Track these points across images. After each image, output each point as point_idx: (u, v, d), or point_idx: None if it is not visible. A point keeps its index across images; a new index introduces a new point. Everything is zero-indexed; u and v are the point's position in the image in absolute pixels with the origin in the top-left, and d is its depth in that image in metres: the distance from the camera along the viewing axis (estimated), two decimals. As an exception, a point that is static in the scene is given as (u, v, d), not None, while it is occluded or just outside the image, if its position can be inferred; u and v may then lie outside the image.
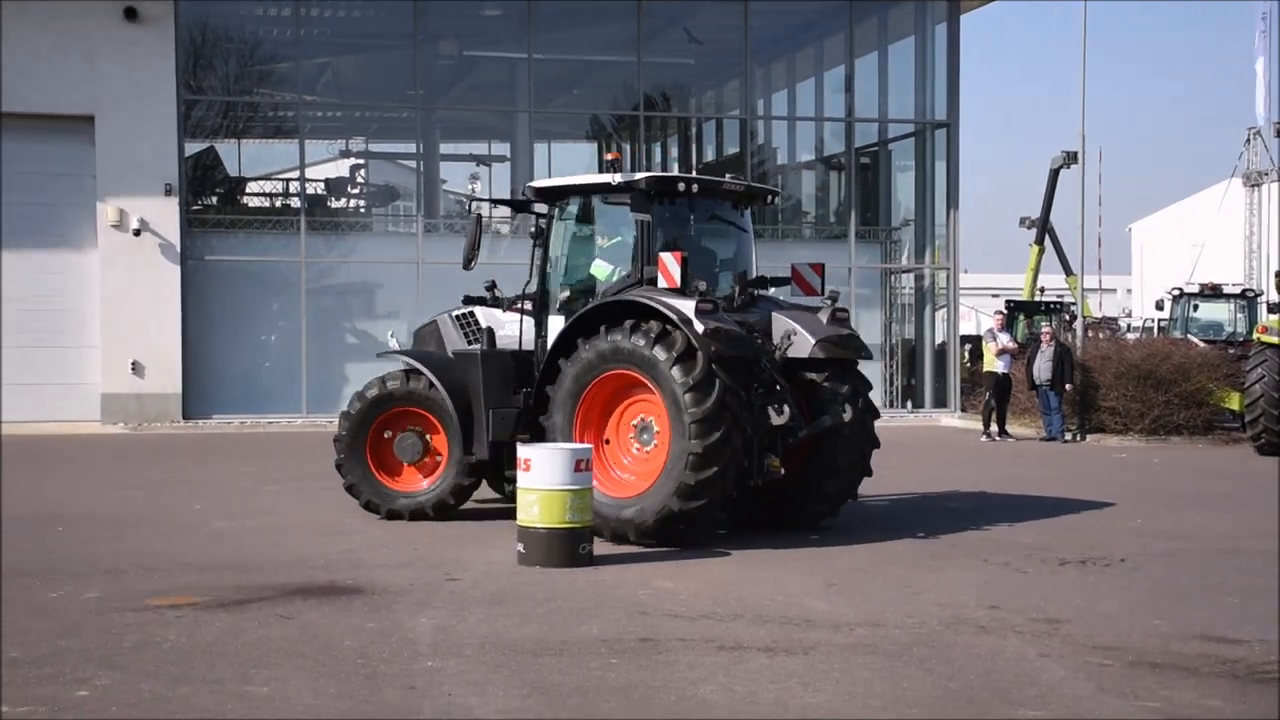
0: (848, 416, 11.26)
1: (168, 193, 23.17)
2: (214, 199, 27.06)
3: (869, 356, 11.94)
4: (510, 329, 12.10)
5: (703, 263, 11.62)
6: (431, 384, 12.00)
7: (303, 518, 12.33)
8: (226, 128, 27.12)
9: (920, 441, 22.07)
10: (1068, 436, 21.94)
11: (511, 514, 10.27)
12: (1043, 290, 38.23)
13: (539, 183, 12.42)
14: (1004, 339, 22.64)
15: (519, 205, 12.77)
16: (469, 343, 12.48)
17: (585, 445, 10.28)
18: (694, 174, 14.04)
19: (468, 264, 12.18)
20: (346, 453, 12.11)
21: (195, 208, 25.06)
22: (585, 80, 29.79)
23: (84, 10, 22.84)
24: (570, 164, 33.67)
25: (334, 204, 29.19)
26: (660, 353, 10.51)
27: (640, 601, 8.61)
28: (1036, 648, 7.47)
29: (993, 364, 22.39)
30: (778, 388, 11.02)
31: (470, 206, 11.83)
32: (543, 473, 9.75)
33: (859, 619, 8.18)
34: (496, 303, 12.56)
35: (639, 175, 11.40)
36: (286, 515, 12.50)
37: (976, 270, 53.47)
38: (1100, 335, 27.09)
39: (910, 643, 7.57)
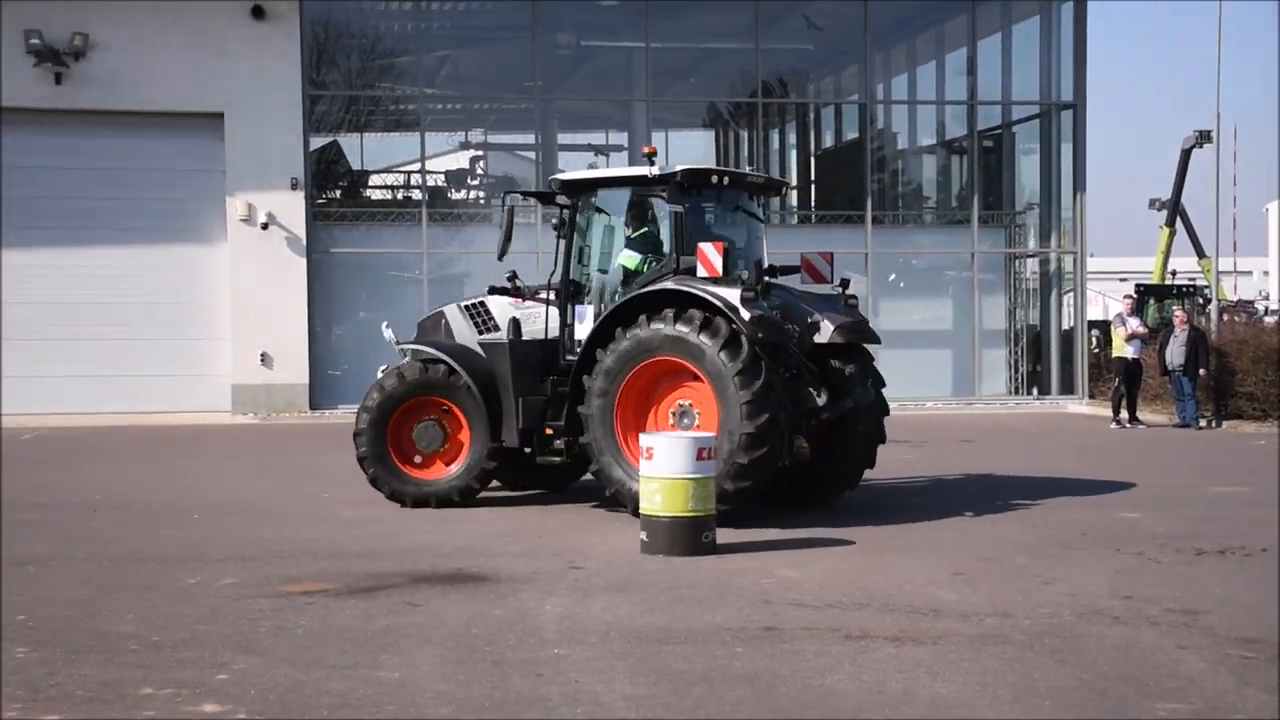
0: (868, 398, 11.80)
1: (294, 187, 23.63)
2: (338, 192, 27.54)
3: (879, 342, 12.42)
4: (528, 320, 12.36)
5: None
6: (452, 372, 12.12)
7: (428, 507, 12.47)
8: (349, 122, 27.58)
9: (1047, 429, 21.67)
10: (1202, 423, 21.36)
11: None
12: (1174, 273, 37.30)
13: (565, 175, 12.59)
14: (1134, 323, 22.11)
15: (546, 198, 12.95)
16: (480, 333, 12.69)
17: (708, 434, 10.25)
18: (742, 167, 13.88)
19: (502, 254, 12.38)
20: (368, 446, 12.21)
21: (320, 201, 25.52)
22: (702, 68, 29.70)
23: (214, 10, 23.37)
24: (687, 152, 33.64)
25: (454, 195, 29.51)
26: (707, 339, 10.86)
27: (764, 590, 8.57)
28: (1174, 639, 7.28)
29: (1122, 349, 21.88)
30: (808, 372, 11.37)
31: (505, 199, 12.17)
32: (665, 461, 9.76)
33: (987, 609, 8.05)
34: (519, 293, 12.71)
35: (676, 168, 11.70)
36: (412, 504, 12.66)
37: (1104, 254, 52.27)
38: (1236, 319, 26.33)
39: (1041, 633, 7.43)
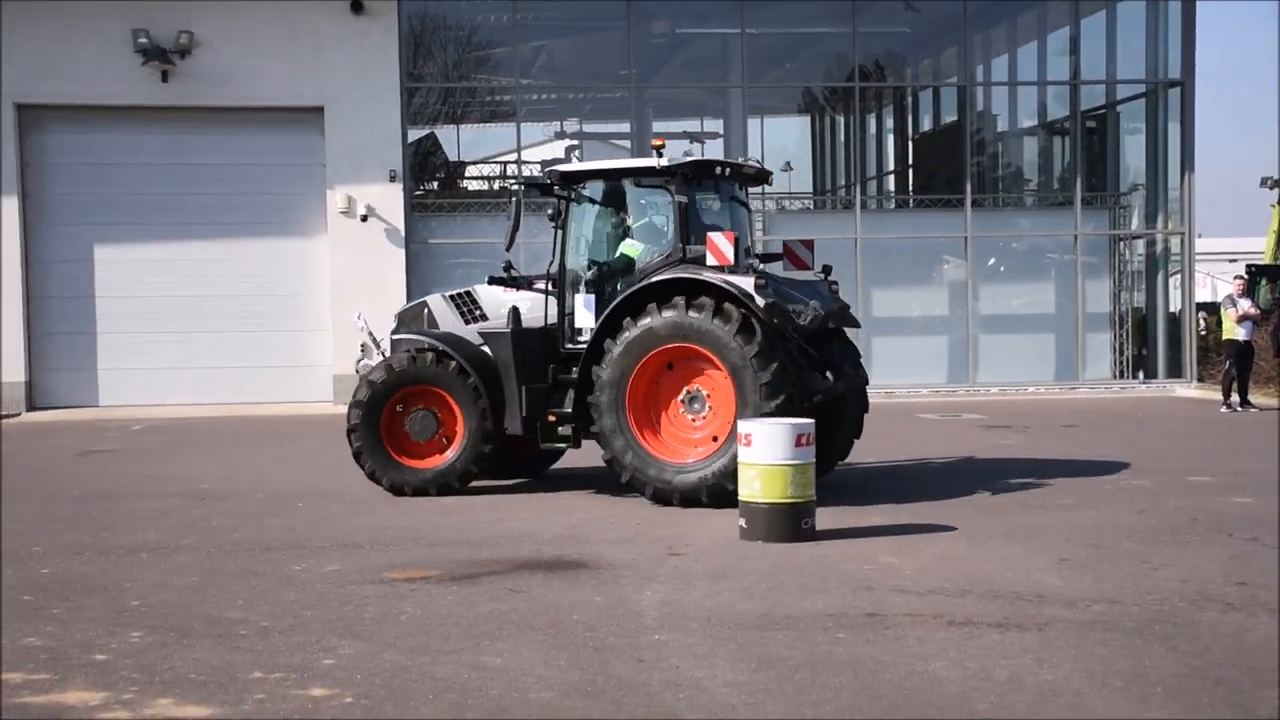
0: (859, 380, 12.51)
1: (392, 179, 23.88)
2: (434, 184, 27.80)
3: (859, 326, 13.23)
4: (525, 309, 12.53)
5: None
6: (440, 360, 12.25)
7: (526, 493, 12.57)
8: (446, 114, 27.81)
9: (1154, 413, 21.25)
10: (1315, 406, 20.81)
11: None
12: (1286, 253, 36.29)
13: (563, 167, 12.80)
14: (1245, 304, 21.58)
15: (547, 188, 13.07)
16: (466, 322, 12.89)
17: (807, 421, 10.18)
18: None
19: (510, 245, 12.53)
20: (363, 440, 12.32)
21: (417, 193, 25.77)
22: (798, 54, 29.50)
23: (313, 6, 23.69)
24: (783, 138, 33.47)
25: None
26: (721, 326, 11.25)
27: (865, 576, 8.50)
28: (1289, 627, 7.10)
29: (1233, 331, 21.36)
30: (805, 355, 11.75)
31: (514, 191, 12.33)
32: (764, 448, 9.72)
33: (1095, 595, 7.91)
34: (514, 282, 12.87)
35: (680, 159, 12.06)
36: (510, 491, 12.76)
37: (1212, 234, 51.08)
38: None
39: (1151, 620, 7.28)
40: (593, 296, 12.12)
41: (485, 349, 12.45)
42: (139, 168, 23.73)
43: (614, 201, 12.55)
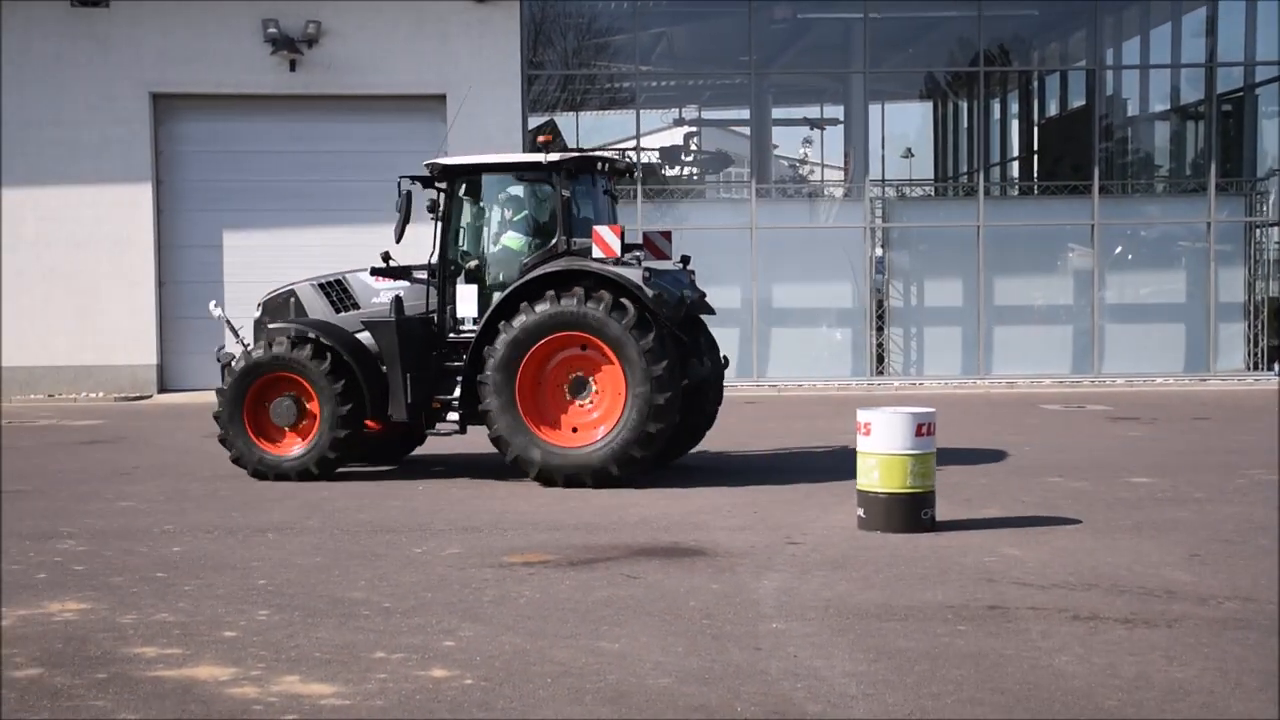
0: (721, 365, 13.38)
1: (512, 166, 24.03)
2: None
3: (714, 313, 13.71)
4: (386, 297, 13.00)
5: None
6: (296, 345, 12.53)
7: (642, 479, 12.58)
8: (565, 101, 27.93)
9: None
10: None
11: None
12: None
13: (445, 160, 13.29)
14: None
15: (428, 181, 13.60)
16: (336, 311, 13.21)
17: (929, 409, 10.05)
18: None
19: (399, 238, 13.21)
20: (228, 425, 12.59)
21: (538, 180, 25.90)
22: (921, 38, 29.08)
23: (437, -5, 23.98)
24: (904, 124, 33.09)
25: (668, 172, 29.63)
26: (616, 317, 11.82)
27: (986, 568, 8.38)
28: None
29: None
30: (679, 342, 12.45)
31: (400, 185, 13.28)
32: (884, 437, 9.62)
33: (1227, 592, 7.69)
34: (394, 272, 13.38)
35: (562, 155, 12.84)
36: (629, 481, 12.76)
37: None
38: None
39: (1286, 619, 7.06)
40: (473, 287, 12.67)
41: (360, 336, 12.80)
42: (267, 155, 24.20)
43: (494, 195, 13.17)
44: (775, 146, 30.71)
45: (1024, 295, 25.94)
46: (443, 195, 13.11)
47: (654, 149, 29.76)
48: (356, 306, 13.24)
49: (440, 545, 9.32)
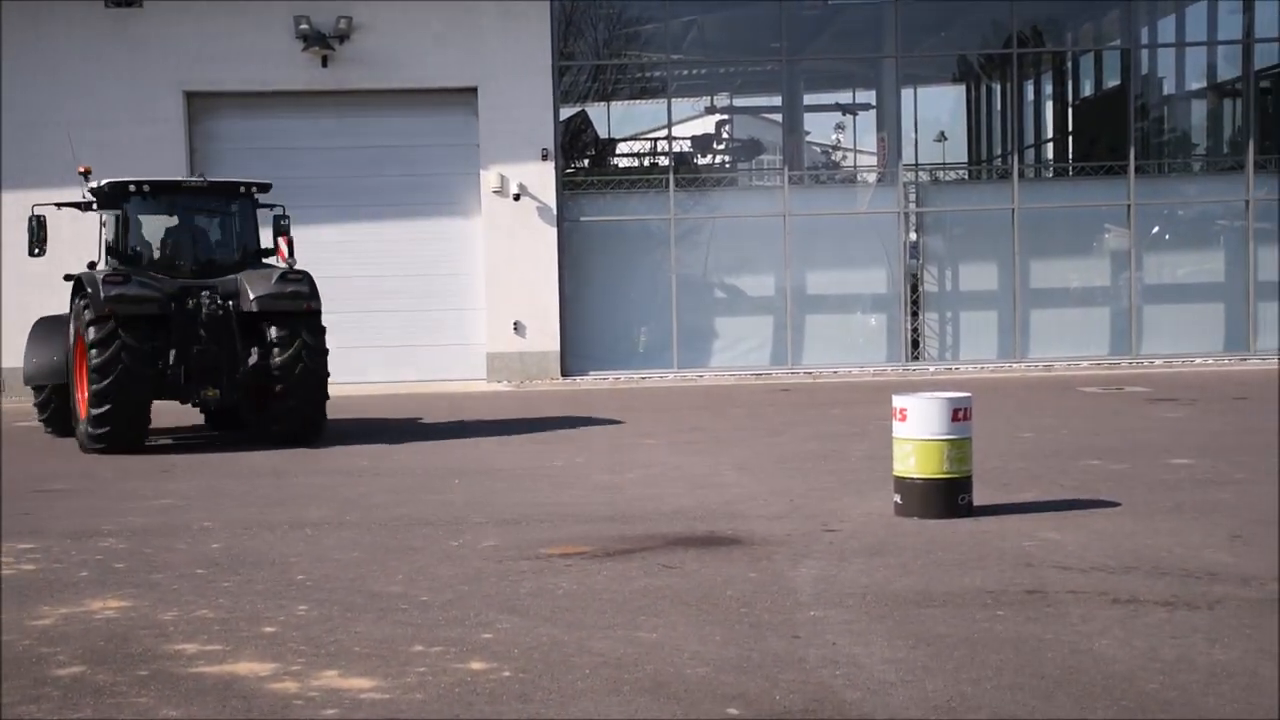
0: (279, 358, 14.78)
1: (544, 158, 24.07)
2: (585, 162, 27.94)
3: (308, 307, 15.07)
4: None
5: (193, 240, 15.91)
6: None
7: (679, 470, 12.60)
8: (596, 91, 27.92)
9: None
10: None
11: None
12: None
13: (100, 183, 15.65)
14: None
15: (84, 206, 16.19)
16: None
17: (965, 394, 9.99)
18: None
19: (32, 253, 15.86)
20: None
21: (568, 171, 25.95)
22: (953, 21, 28.88)
23: (469, -11, 24.01)
24: (936, 109, 32.86)
25: (700, 161, 29.57)
26: (87, 315, 14.46)
27: (1025, 553, 8.33)
28: None
29: None
30: (229, 336, 14.88)
31: (32, 209, 15.96)
32: (919, 423, 9.58)
33: (1269, 573, 7.62)
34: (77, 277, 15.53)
35: (104, 181, 15.41)
36: (663, 468, 12.80)
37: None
38: None
39: (1330, 600, 6.99)
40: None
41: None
42: (300, 151, 24.31)
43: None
44: (807, 133, 30.59)
45: (1060, 277, 25.79)
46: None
47: (686, 138, 29.68)
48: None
49: (477, 538, 9.35)
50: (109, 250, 15.59)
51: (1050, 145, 31.77)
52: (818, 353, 25.17)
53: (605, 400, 20.55)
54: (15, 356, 23.18)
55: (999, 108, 31.10)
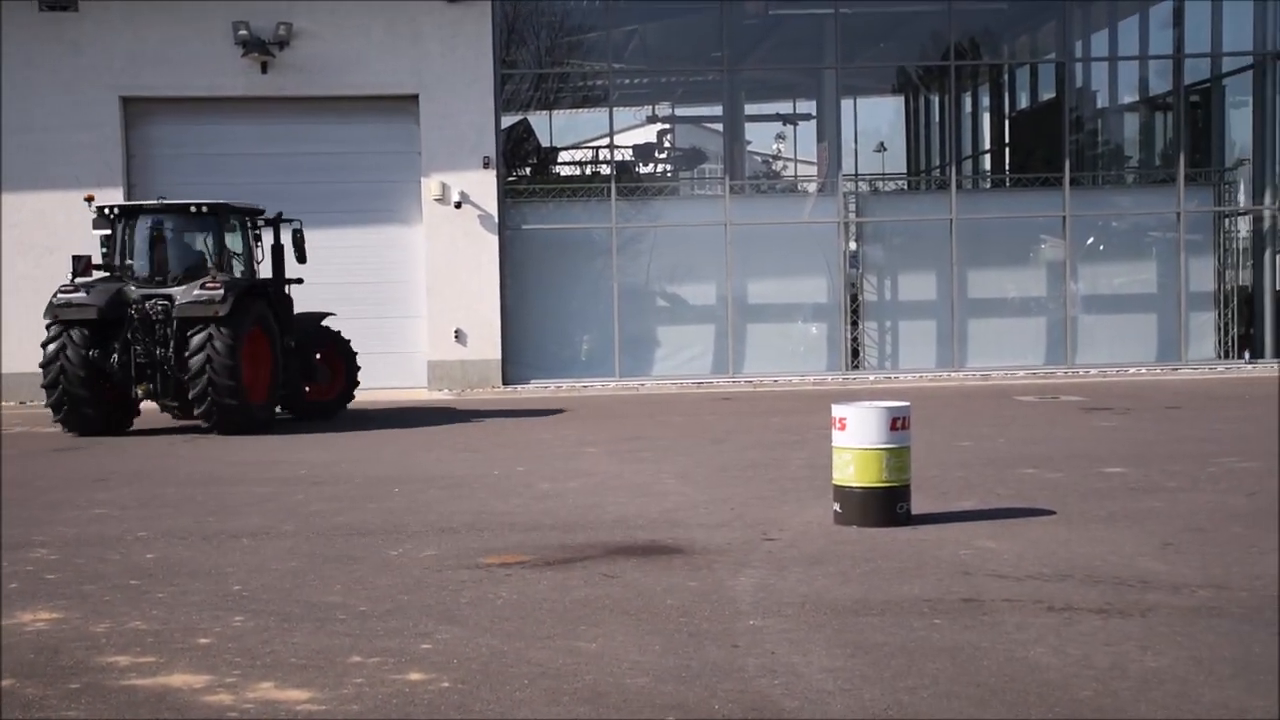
0: (189, 359, 16.68)
1: (486, 166, 24.02)
2: (527, 170, 27.92)
3: (219, 314, 16.64)
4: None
5: (165, 254, 17.71)
6: None
7: (620, 479, 12.60)
8: (538, 100, 27.91)
9: (1262, 393, 20.74)
10: None
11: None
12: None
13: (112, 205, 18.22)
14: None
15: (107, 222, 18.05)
16: None
17: (903, 404, 10.07)
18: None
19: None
20: None
21: (510, 179, 25.90)
22: (893, 32, 29.19)
23: (409, -4, 23.92)
24: (876, 119, 33.14)
25: (642, 170, 29.64)
26: (46, 318, 17.04)
27: (962, 561, 8.41)
28: (1404, 614, 6.89)
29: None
30: (157, 340, 17.02)
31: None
32: (858, 432, 9.64)
33: (1200, 580, 7.74)
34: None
35: (94, 205, 17.87)
36: (604, 476, 12.80)
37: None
38: None
39: (1259, 606, 7.11)
40: None
41: None
42: (240, 158, 24.10)
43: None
44: (748, 143, 30.80)
45: (997, 287, 26.08)
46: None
47: (628, 146, 29.74)
48: None
49: (417, 547, 9.30)
50: (103, 261, 17.98)
51: (988, 156, 32.14)
52: (759, 361, 25.28)
53: (547, 409, 20.53)
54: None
55: (937, 119, 31.45)
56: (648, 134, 31.35)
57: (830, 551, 8.80)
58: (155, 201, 18.35)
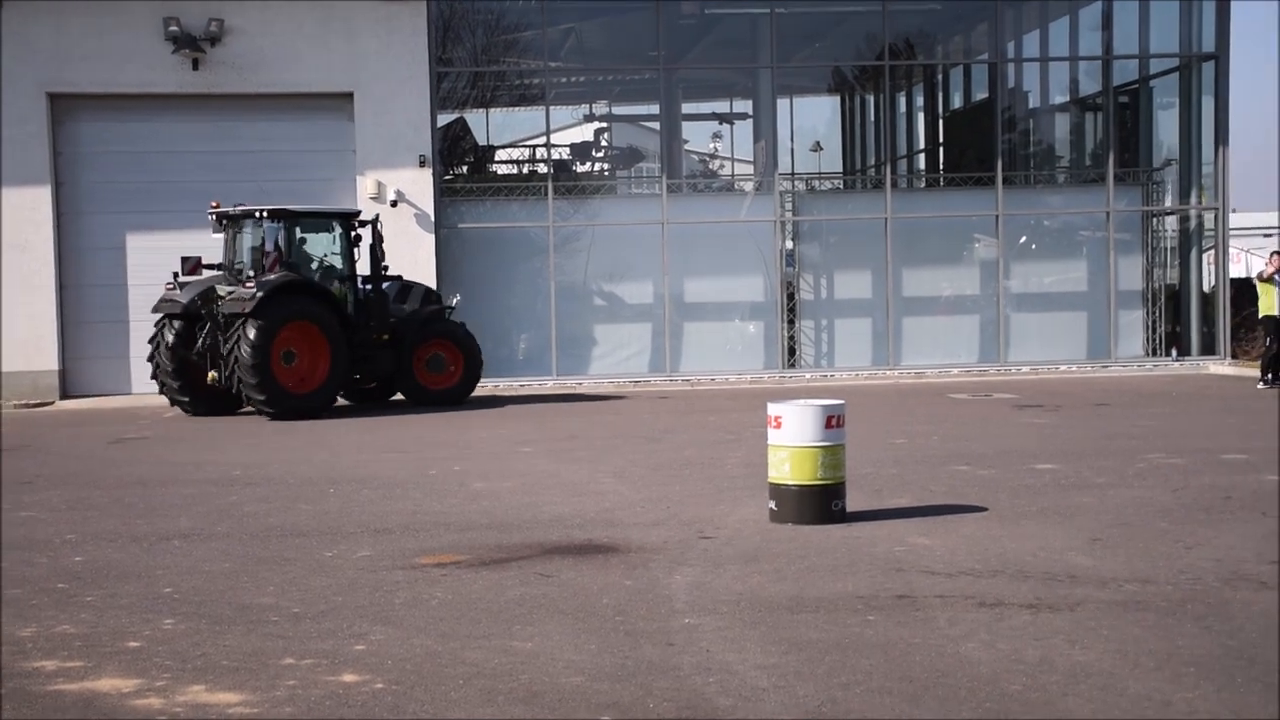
0: (223, 350, 18.52)
1: (422, 164, 23.92)
2: (464, 168, 27.82)
3: (247, 311, 18.13)
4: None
5: (260, 256, 19.32)
6: None
7: (556, 478, 12.59)
8: (474, 98, 27.83)
9: (1189, 390, 21.09)
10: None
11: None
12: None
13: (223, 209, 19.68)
14: (1269, 272, 21.24)
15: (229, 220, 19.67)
16: None
17: (839, 402, 10.14)
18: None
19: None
20: None
21: (447, 177, 25.80)
22: (828, 32, 29.37)
23: (344, -7, 23.74)
24: (813, 118, 33.32)
25: (579, 168, 29.61)
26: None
27: (896, 558, 8.48)
28: (1325, 607, 7.03)
29: (1272, 308, 21.15)
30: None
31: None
32: (794, 430, 9.69)
33: (1127, 575, 7.86)
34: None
35: (229, 209, 19.57)
36: (540, 475, 12.79)
37: (1247, 209, 50.50)
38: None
39: (1184, 599, 7.23)
40: None
41: None
42: (170, 155, 23.85)
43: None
44: (685, 142, 30.84)
45: (931, 286, 26.33)
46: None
47: (565, 145, 29.70)
48: None
49: (351, 548, 9.24)
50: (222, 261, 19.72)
51: (922, 156, 32.42)
52: (696, 360, 25.36)
53: (483, 407, 20.47)
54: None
55: (873, 118, 31.66)
56: (585, 133, 31.33)
57: (765, 549, 8.85)
58: (252, 207, 19.68)
